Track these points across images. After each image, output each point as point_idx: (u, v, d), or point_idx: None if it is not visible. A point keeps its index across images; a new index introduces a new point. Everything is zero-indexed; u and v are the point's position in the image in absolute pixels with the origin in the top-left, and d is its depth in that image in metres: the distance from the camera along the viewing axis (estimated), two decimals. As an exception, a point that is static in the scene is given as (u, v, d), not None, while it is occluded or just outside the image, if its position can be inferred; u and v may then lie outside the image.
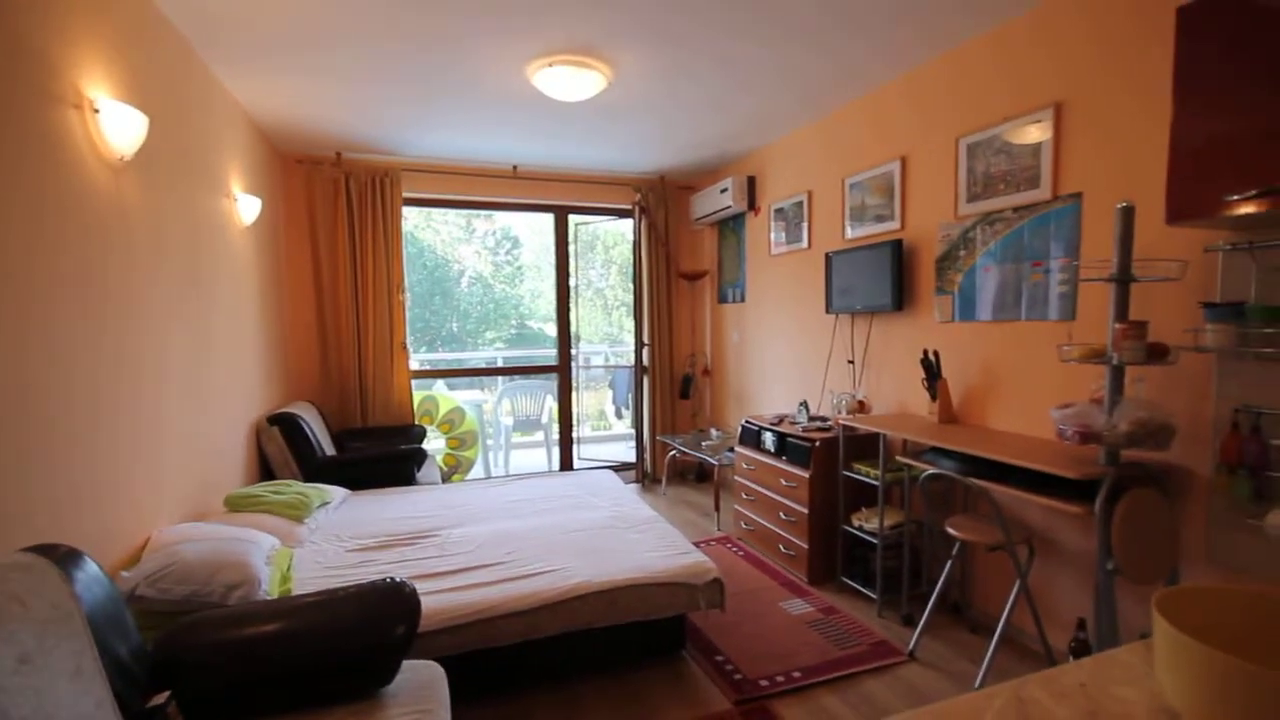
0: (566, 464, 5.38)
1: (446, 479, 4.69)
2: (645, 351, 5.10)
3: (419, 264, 9.64)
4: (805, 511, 3.05)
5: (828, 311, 3.51)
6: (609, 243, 10.40)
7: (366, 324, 4.36)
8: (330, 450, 3.89)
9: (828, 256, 3.48)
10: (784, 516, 3.21)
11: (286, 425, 3.41)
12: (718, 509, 4.02)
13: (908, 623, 2.63)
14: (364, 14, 2.42)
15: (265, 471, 3.43)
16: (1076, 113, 2.26)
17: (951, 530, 2.30)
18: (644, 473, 5.08)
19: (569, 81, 2.91)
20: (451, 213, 9.80)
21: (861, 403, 3.20)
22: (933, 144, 2.88)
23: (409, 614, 1.59)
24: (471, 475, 4.97)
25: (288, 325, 4.27)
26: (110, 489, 1.91)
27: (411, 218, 9.68)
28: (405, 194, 4.46)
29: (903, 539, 2.76)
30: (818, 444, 3.05)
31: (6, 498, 1.46)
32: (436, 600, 1.92)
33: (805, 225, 3.86)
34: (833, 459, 3.03)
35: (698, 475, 5.14)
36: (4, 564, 1.22)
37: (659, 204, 5.05)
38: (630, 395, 5.96)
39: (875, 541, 2.76)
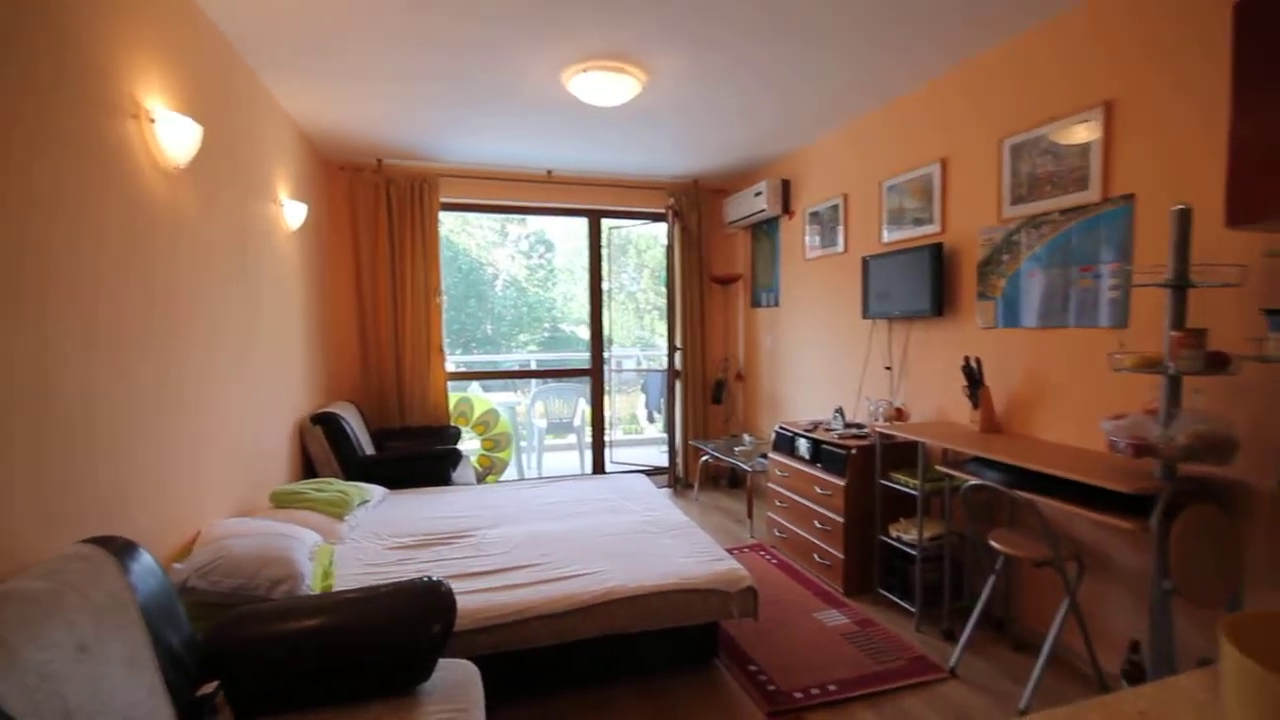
0: (599, 467, 5.40)
1: (481, 480, 4.76)
2: (678, 356, 5.09)
3: (454, 267, 9.83)
4: (841, 521, 3.00)
5: (864, 316, 3.45)
6: (641, 246, 10.44)
7: (404, 326, 4.45)
8: (369, 449, 3.98)
9: (864, 260, 3.42)
10: (819, 525, 3.16)
11: (329, 425, 3.50)
12: (750, 516, 3.98)
13: (948, 638, 2.56)
14: (404, 23, 2.48)
15: (308, 469, 3.53)
16: (1127, 112, 2.18)
17: (996, 544, 2.23)
18: (676, 477, 5.06)
19: (604, 86, 2.93)
20: (486, 217, 9.99)
21: (899, 410, 3.13)
22: (974, 145, 2.81)
23: (445, 613, 1.61)
24: (505, 476, 5.03)
25: (330, 327, 4.39)
26: (165, 485, 1.98)
27: (448, 222, 9.89)
28: (443, 199, 4.55)
29: (943, 551, 2.69)
30: (854, 452, 2.99)
31: (74, 492, 1.53)
32: (472, 600, 1.94)
33: (841, 229, 3.80)
34: (869, 467, 2.97)
35: (730, 480, 5.10)
36: (66, 554, 1.28)
37: (692, 207, 5.04)
38: (662, 399, 5.96)
39: (914, 553, 2.70)
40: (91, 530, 1.56)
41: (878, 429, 2.98)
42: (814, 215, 4.10)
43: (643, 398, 7.18)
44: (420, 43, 2.65)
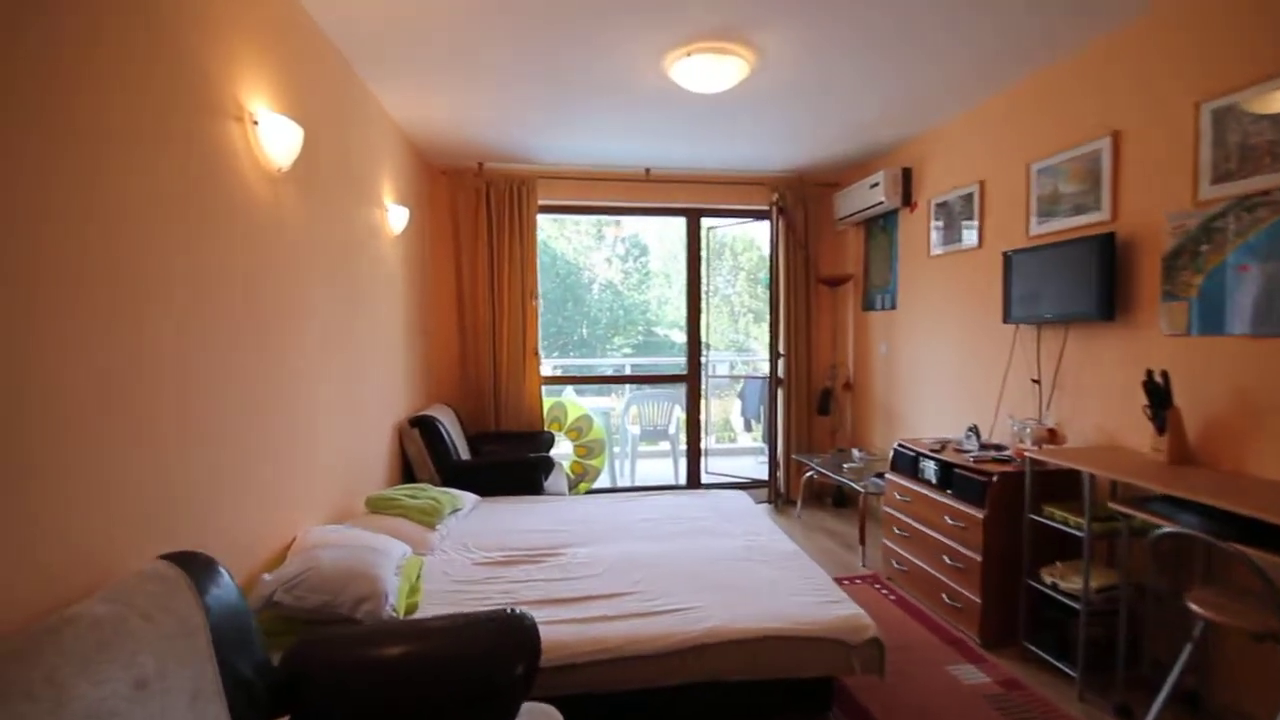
0: (694, 477, 5.16)
1: (573, 487, 4.66)
2: (780, 362, 4.75)
3: (552, 272, 10.06)
4: (978, 559, 2.58)
5: (1005, 321, 2.98)
6: (737, 249, 10.20)
7: (501, 330, 4.43)
8: (465, 452, 3.97)
9: (1006, 256, 2.96)
10: (949, 561, 2.75)
11: (425, 428, 3.50)
12: (863, 542, 3.59)
13: (1123, 715, 2.10)
14: (504, 21, 2.38)
15: (406, 470, 3.55)
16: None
17: (1196, 607, 1.77)
18: (777, 493, 4.72)
19: (708, 70, 2.69)
20: (584, 222, 10.16)
21: (1051, 431, 2.66)
22: (1157, 113, 2.32)
23: (530, 653, 1.45)
24: (598, 484, 4.91)
25: (431, 330, 4.45)
26: (264, 488, 1.97)
27: (546, 227, 10.18)
28: (541, 201, 4.50)
29: (1117, 606, 2.22)
30: (995, 479, 2.57)
31: (168, 497, 1.50)
32: (557, 632, 1.77)
33: (975, 221, 3.34)
34: (1015, 498, 2.53)
35: (836, 499, 4.69)
36: (144, 572, 1.21)
37: (797, 203, 4.69)
38: (762, 407, 5.63)
39: (1077, 606, 2.24)
40: (184, 536, 1.53)
41: (1025, 453, 2.54)
42: (941, 207, 3.65)
43: (738, 404, 6.86)
44: (520, 39, 2.55)
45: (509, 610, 1.52)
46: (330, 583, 1.72)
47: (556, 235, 10.23)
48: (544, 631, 1.72)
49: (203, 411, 1.64)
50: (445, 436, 3.55)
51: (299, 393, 2.23)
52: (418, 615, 1.90)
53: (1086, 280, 2.53)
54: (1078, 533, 2.26)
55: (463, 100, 3.26)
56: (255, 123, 1.87)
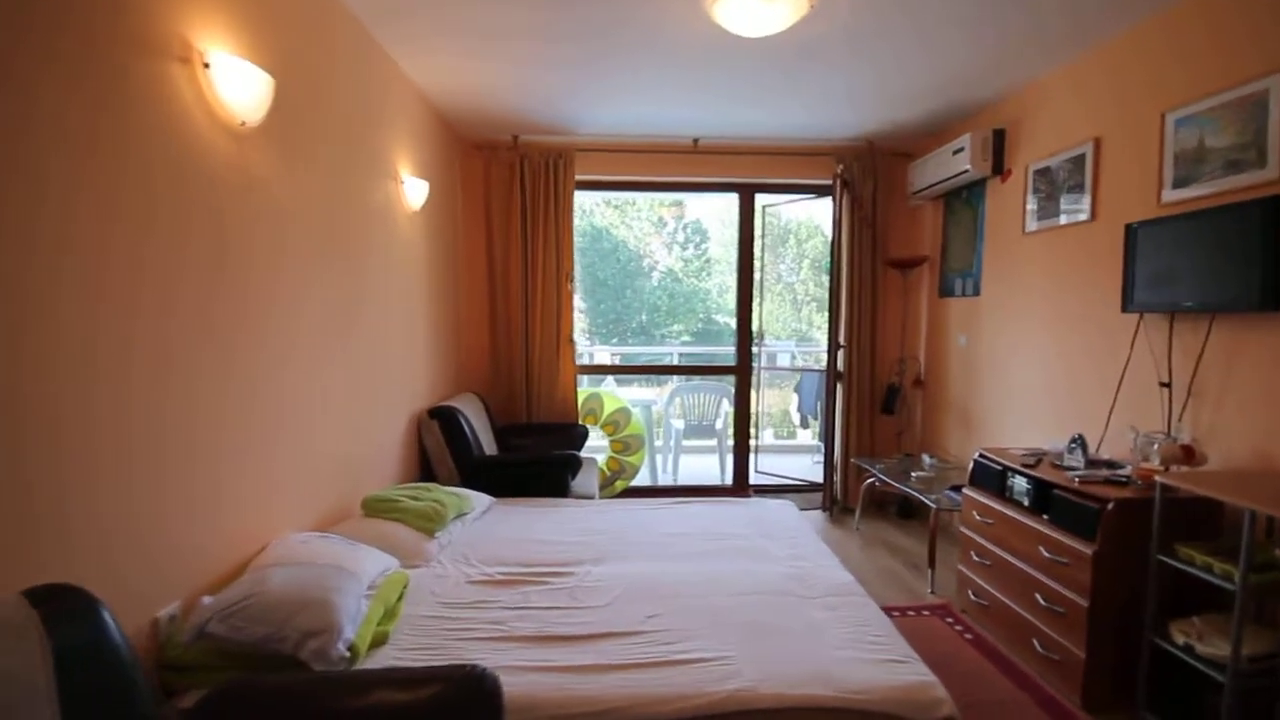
0: (741, 478, 4.74)
1: (609, 484, 4.34)
2: (840, 354, 4.25)
3: (613, 259, 10.03)
4: (1083, 604, 2.07)
5: (1126, 309, 2.42)
6: (802, 235, 9.76)
7: (535, 315, 4.14)
8: (491, 446, 3.71)
9: (1130, 229, 2.39)
10: (1044, 602, 2.25)
11: (445, 420, 3.25)
12: (932, 565, 3.09)
13: (1291, 832, 1.59)
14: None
15: (424, 465, 3.32)
16: None
17: None
18: (833, 499, 4.25)
19: (757, 9, 2.26)
20: (644, 208, 9.97)
21: (1187, 449, 2.10)
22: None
23: (484, 732, 1.11)
24: (636, 481, 4.57)
25: (461, 314, 4.21)
26: (231, 491, 1.74)
27: (606, 215, 10.08)
28: (579, 176, 4.15)
29: (1276, 680, 1.69)
30: (1110, 506, 2.05)
31: (109, 507, 1.28)
32: (538, 686, 1.43)
33: (1087, 188, 2.76)
34: (1138, 532, 2.01)
35: (901, 509, 4.18)
36: (-17, 614, 0.94)
37: (865, 175, 4.15)
38: (819, 403, 5.13)
39: (1218, 677, 1.73)
40: (134, 548, 1.34)
41: (1154, 475, 2.01)
42: (1041, 174, 3.07)
43: (795, 399, 6.35)
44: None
45: (469, 670, 1.19)
46: (275, 611, 1.45)
47: (618, 223, 10.16)
48: (523, 685, 1.39)
49: (144, 409, 1.41)
50: (466, 429, 3.29)
51: (283, 383, 1.98)
52: (383, 650, 1.61)
53: (1244, 258, 1.96)
54: (1225, 584, 1.73)
55: (492, 66, 2.97)
56: (206, 65, 1.59)
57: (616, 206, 10.15)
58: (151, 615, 1.46)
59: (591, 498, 3.31)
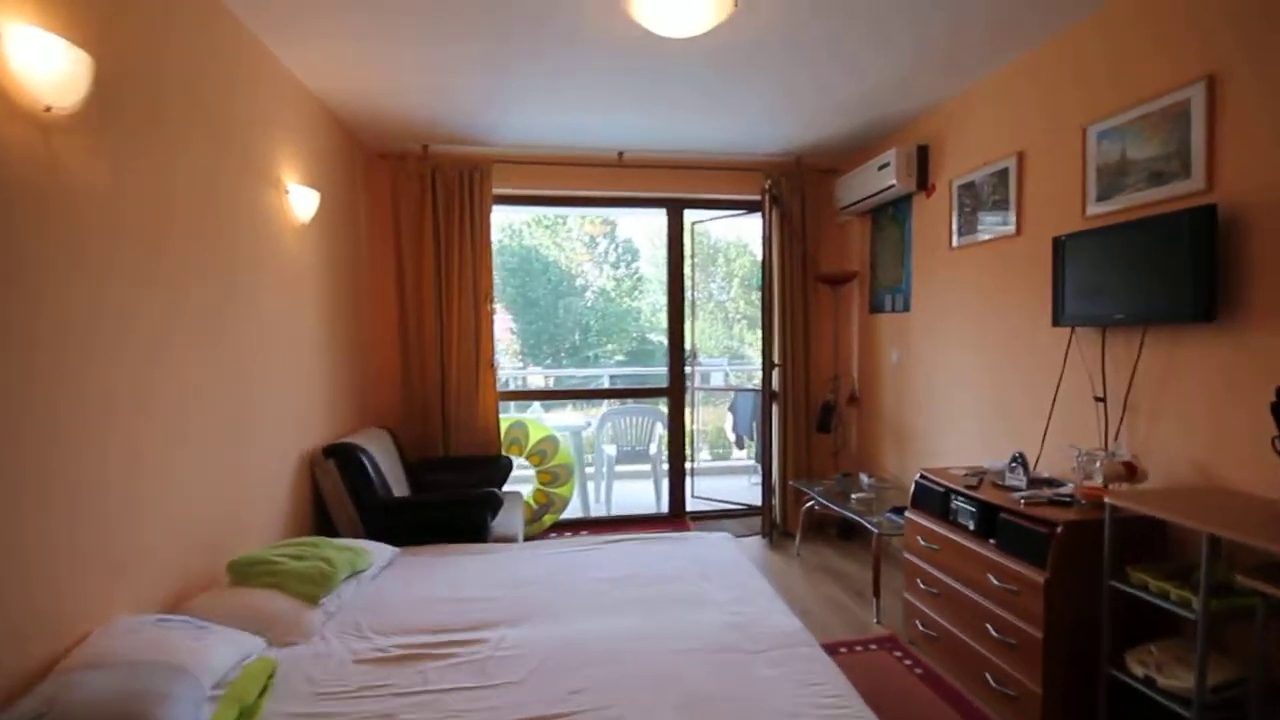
0: (678, 505, 4.53)
1: (537, 519, 4.03)
2: (775, 373, 4.13)
3: (544, 278, 9.94)
4: (1038, 636, 1.95)
5: (1057, 323, 2.38)
6: (730, 255, 9.90)
7: (451, 339, 3.81)
8: (403, 485, 3.34)
9: (1058, 242, 2.36)
10: (996, 634, 2.12)
11: (343, 458, 2.87)
12: (877, 594, 2.96)
13: None
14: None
15: (321, 511, 2.92)
16: None
17: None
18: (773, 524, 4.10)
19: (676, 5, 2.09)
20: (575, 228, 9.88)
21: (1129, 465, 2.04)
22: (1270, 50, 1.73)
23: None
24: (567, 513, 4.27)
25: (368, 340, 3.82)
26: (48, 562, 1.35)
27: (537, 235, 9.89)
28: (496, 190, 3.88)
29: (1242, 712, 1.60)
30: (1060, 530, 1.95)
31: None
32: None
33: (1012, 202, 2.74)
34: (1087, 556, 1.92)
35: (841, 530, 4.07)
36: None
37: (794, 192, 4.09)
38: (755, 423, 5.01)
39: (1184, 713, 1.62)
40: None
41: (1098, 493, 1.93)
42: (965, 188, 3.05)
43: (730, 419, 6.23)
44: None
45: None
46: (67, 740, 1.09)
47: (549, 243, 10.06)
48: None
49: None
50: (369, 468, 2.91)
51: (116, 424, 1.60)
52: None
53: (1174, 270, 1.93)
54: (1184, 612, 1.64)
55: (386, 64, 2.69)
56: (-13, 31, 1.25)
57: (547, 226, 10.01)
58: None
59: (514, 539, 3.00)
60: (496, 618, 1.94)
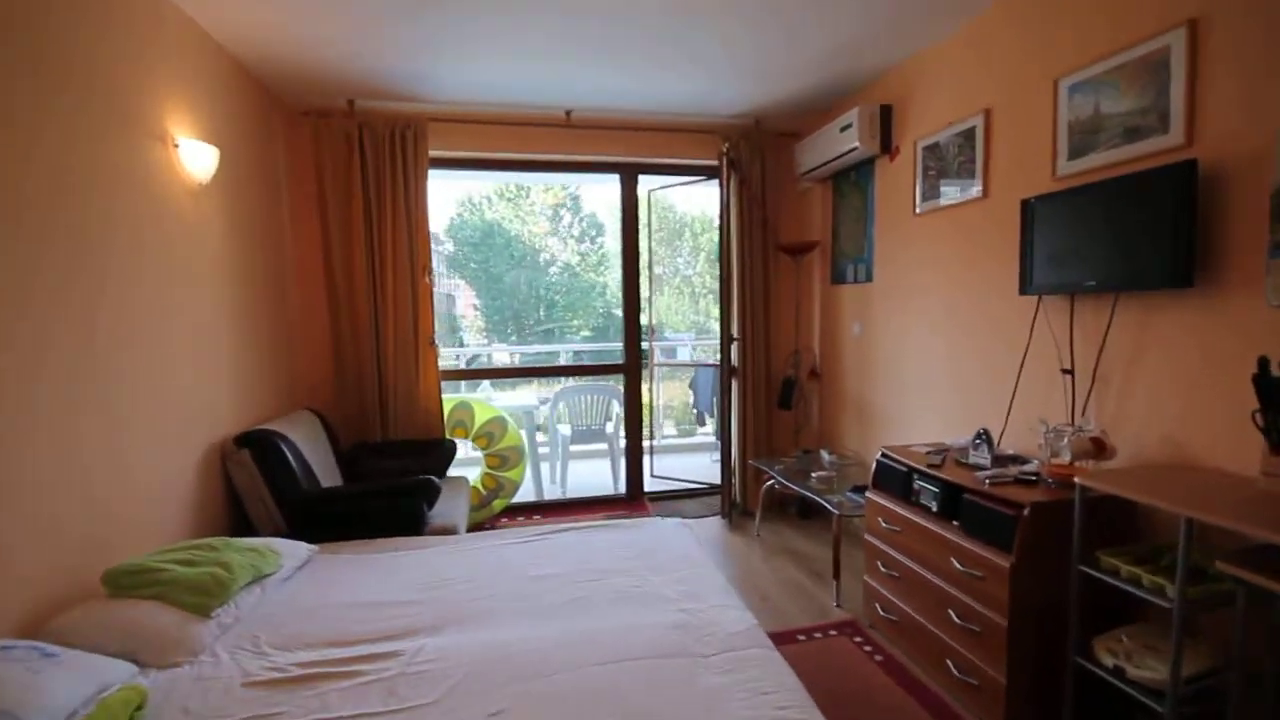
0: (635, 487, 4.37)
1: (486, 504, 3.81)
2: (734, 347, 3.96)
3: (506, 253, 9.73)
4: (1002, 623, 1.84)
5: (1024, 292, 2.24)
6: (697, 229, 9.75)
7: (387, 315, 3.52)
8: (334, 474, 3.08)
9: (1027, 205, 2.21)
10: (958, 619, 2.01)
11: (259, 447, 2.59)
12: (837, 576, 2.85)
13: None
14: None
15: (235, 508, 2.65)
16: None
17: None
18: (732, 503, 3.97)
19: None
20: (538, 202, 9.59)
21: (1098, 441, 1.93)
22: (1269, -18, 1.58)
23: None
24: (519, 496, 4.07)
25: (295, 317, 3.51)
26: None
27: (500, 209, 9.53)
28: (434, 152, 3.57)
29: (1217, 705, 1.51)
30: (1026, 512, 1.83)
31: None
32: None
33: (978, 164, 2.59)
34: (1055, 538, 1.81)
35: (801, 509, 3.96)
36: None
37: (754, 156, 3.88)
38: (715, 400, 4.86)
39: (1157, 706, 1.53)
40: None
41: (1066, 472, 1.81)
42: (930, 150, 2.89)
43: (692, 396, 6.08)
44: None
45: None
46: None
47: (511, 216, 9.84)
48: None
49: None
50: (290, 457, 2.65)
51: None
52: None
53: (1150, 232, 1.79)
54: (1159, 600, 1.53)
55: (303, 6, 2.35)
56: None
57: (509, 199, 9.66)
58: None
59: (456, 530, 2.78)
60: (416, 625, 1.74)
